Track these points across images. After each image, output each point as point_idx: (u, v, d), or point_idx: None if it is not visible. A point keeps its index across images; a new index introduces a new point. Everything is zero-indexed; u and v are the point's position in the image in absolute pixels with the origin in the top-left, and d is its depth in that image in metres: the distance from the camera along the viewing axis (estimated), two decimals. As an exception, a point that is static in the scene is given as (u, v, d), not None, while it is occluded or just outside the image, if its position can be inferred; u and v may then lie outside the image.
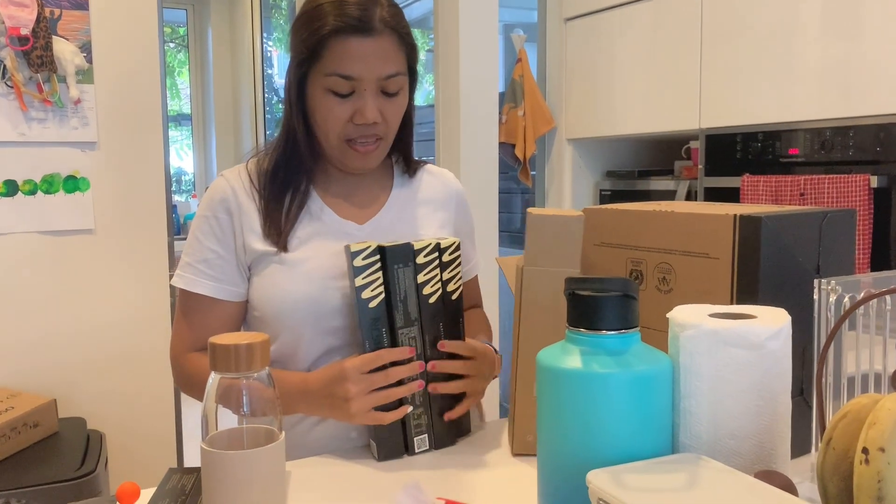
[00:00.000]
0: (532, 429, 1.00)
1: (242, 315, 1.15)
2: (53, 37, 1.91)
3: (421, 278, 1.01)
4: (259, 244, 1.10)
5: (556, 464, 0.70)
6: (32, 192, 1.97)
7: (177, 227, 4.55)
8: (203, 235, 1.12)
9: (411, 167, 1.23)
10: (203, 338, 1.11)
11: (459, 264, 1.05)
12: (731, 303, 0.91)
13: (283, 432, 0.67)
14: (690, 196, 2.69)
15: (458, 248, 1.05)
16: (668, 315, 0.75)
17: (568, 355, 0.70)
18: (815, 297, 0.83)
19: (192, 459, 2.41)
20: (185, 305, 1.13)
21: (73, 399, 2.06)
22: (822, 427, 0.66)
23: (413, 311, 1.00)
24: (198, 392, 1.11)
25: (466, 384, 1.04)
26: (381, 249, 0.99)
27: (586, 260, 1.10)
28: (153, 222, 2.15)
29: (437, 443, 1.03)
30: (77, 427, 1.91)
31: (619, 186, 3.09)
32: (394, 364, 0.99)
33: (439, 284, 1.02)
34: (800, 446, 0.89)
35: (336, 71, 1.04)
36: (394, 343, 1.00)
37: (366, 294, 0.98)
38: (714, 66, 2.45)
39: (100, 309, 2.09)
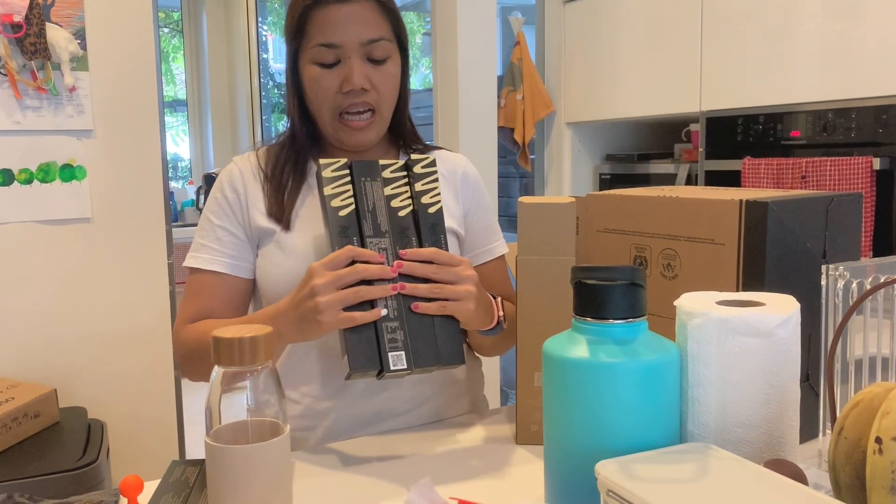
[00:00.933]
0: (535, 419, 1.00)
1: (251, 293, 1.15)
2: (47, 23, 1.89)
3: (388, 191, 0.99)
4: (263, 221, 1.12)
5: (563, 454, 0.70)
6: (29, 182, 1.95)
7: (174, 214, 4.53)
8: (214, 215, 1.14)
9: (412, 148, 1.22)
10: (209, 313, 1.11)
11: (436, 180, 1.01)
12: (737, 289, 0.90)
13: (289, 425, 0.66)
14: (691, 179, 2.68)
15: (432, 164, 1.01)
16: (675, 303, 0.74)
17: (574, 344, 0.69)
18: (823, 282, 0.83)
19: (193, 446, 2.42)
20: (196, 285, 1.13)
21: (73, 388, 2.05)
22: (833, 415, 0.66)
23: (383, 224, 0.97)
24: (197, 364, 1.08)
25: (437, 288, 0.93)
26: (349, 164, 0.99)
27: (590, 246, 1.09)
28: (150, 209, 2.13)
29: (416, 362, 0.92)
30: (78, 417, 1.90)
31: (618, 170, 3.07)
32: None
33: (409, 199, 0.99)
34: (807, 431, 0.89)
35: (319, 41, 1.07)
36: None
37: (335, 203, 0.96)
38: (715, 48, 2.43)
39: (98, 297, 2.08)
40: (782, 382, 0.70)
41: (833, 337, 0.64)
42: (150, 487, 0.83)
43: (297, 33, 1.10)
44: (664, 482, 0.60)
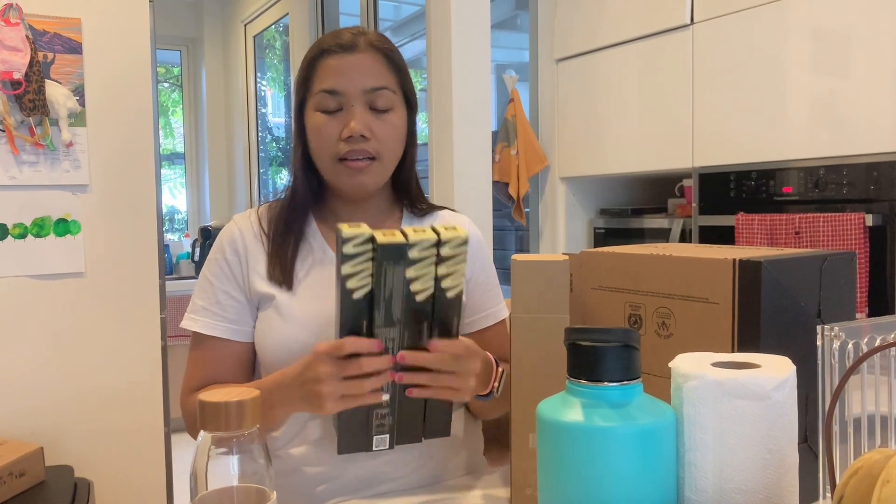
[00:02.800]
0: (530, 482, 0.98)
1: (254, 354, 1.14)
2: (46, 80, 1.91)
3: (411, 273, 0.91)
4: (263, 286, 1.10)
5: (559, 521, 0.68)
6: (23, 236, 1.95)
7: (168, 268, 4.52)
8: (214, 278, 1.13)
9: (417, 206, 1.21)
10: (215, 378, 1.10)
11: (463, 261, 0.93)
12: (732, 348, 0.89)
13: (275, 492, 0.64)
14: (685, 234, 2.69)
15: (464, 243, 0.92)
16: (670, 365, 0.73)
17: (569, 408, 0.68)
18: (819, 343, 0.82)
19: (182, 506, 2.36)
20: (199, 348, 1.11)
21: (59, 446, 2.02)
22: (833, 480, 0.65)
23: (397, 312, 0.92)
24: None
25: (433, 377, 0.94)
26: (373, 240, 0.89)
27: (584, 304, 1.08)
28: (145, 264, 2.13)
29: (400, 440, 1.00)
30: (64, 475, 1.86)
31: (612, 224, 3.09)
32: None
33: (432, 283, 0.93)
34: (806, 495, 0.87)
35: (322, 88, 1.09)
36: None
37: (351, 284, 0.89)
38: (707, 105, 2.47)
39: (89, 352, 2.06)
40: (780, 447, 0.69)
41: (830, 402, 0.63)
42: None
43: (303, 82, 1.12)
44: (661, 552, 0.58)
